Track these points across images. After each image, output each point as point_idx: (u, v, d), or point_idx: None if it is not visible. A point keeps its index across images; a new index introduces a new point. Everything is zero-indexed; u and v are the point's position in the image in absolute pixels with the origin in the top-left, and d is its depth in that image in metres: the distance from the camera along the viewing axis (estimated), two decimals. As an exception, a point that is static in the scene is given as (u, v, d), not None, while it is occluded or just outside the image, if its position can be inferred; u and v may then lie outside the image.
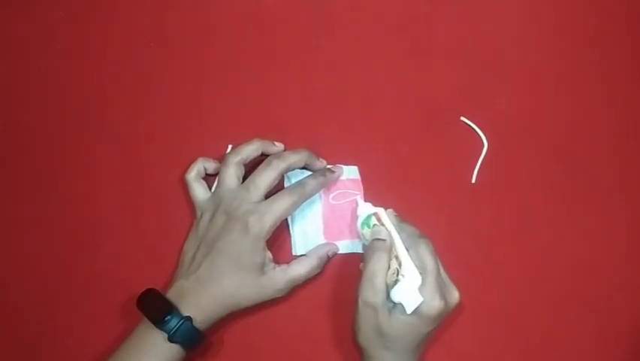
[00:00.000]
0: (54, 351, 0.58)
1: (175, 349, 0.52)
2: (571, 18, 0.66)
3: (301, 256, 0.58)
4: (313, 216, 0.59)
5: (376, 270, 0.51)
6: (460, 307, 0.56)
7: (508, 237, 0.61)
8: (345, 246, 0.59)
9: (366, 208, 0.56)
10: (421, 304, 0.50)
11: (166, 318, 0.51)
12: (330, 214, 0.59)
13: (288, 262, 0.56)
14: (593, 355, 0.58)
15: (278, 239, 0.59)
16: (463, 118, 0.63)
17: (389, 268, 0.52)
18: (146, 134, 0.63)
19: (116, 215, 0.61)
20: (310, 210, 0.59)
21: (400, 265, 0.51)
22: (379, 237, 0.53)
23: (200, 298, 0.53)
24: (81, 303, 0.59)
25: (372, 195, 0.61)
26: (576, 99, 0.64)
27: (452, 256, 0.60)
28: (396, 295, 0.50)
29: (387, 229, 0.53)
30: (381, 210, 0.55)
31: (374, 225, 0.55)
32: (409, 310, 0.50)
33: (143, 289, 0.54)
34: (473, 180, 0.62)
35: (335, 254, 0.59)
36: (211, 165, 0.59)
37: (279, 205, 0.54)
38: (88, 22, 0.66)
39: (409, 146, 0.63)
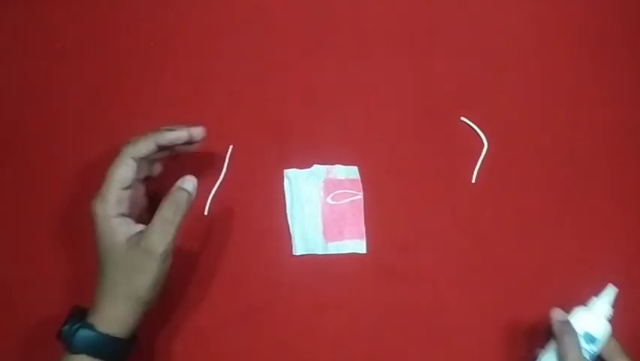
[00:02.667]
0: (54, 351, 0.58)
1: None
2: (571, 18, 0.66)
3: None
4: (313, 216, 0.59)
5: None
6: (460, 308, 0.56)
7: (508, 237, 0.61)
8: (346, 246, 0.59)
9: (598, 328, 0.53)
10: None
11: (63, 328, 0.49)
12: (330, 214, 0.59)
13: (283, 264, 0.56)
14: (593, 355, 0.58)
15: (278, 239, 0.59)
16: (463, 118, 0.63)
17: None
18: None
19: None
20: (310, 210, 0.59)
21: None
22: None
23: (103, 303, 0.49)
24: (81, 303, 0.59)
25: (373, 195, 0.61)
26: (576, 99, 0.64)
27: (452, 256, 0.60)
28: None
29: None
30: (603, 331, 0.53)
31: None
32: None
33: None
34: (473, 180, 0.62)
35: (191, 196, 0.53)
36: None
37: (111, 172, 0.50)
38: (88, 22, 0.66)
39: (409, 146, 0.63)
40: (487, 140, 0.62)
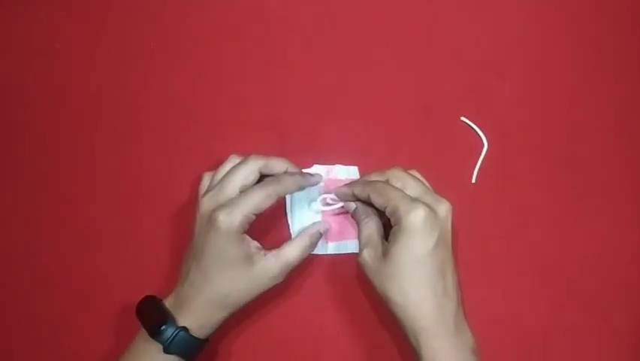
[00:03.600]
0: (54, 351, 0.58)
1: (173, 359, 0.51)
2: (571, 18, 0.66)
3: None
4: (313, 217, 0.59)
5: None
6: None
7: (508, 237, 0.61)
8: (345, 246, 0.59)
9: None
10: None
11: (161, 328, 0.50)
12: (330, 215, 0.59)
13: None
14: (593, 355, 0.58)
15: (278, 239, 0.59)
16: (463, 118, 0.63)
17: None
18: (146, 134, 0.63)
19: (116, 215, 0.61)
20: (310, 211, 0.59)
21: None
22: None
23: (196, 305, 0.52)
24: (81, 303, 0.59)
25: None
26: (576, 99, 0.64)
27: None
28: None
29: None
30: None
31: None
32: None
33: (142, 293, 0.54)
34: (473, 180, 0.62)
35: (327, 230, 0.57)
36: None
37: (250, 198, 0.51)
38: (88, 22, 0.66)
39: (409, 146, 0.63)
40: (487, 140, 0.62)
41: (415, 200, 0.51)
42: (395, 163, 0.62)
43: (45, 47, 0.65)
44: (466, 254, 0.60)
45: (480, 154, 0.62)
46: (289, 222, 0.59)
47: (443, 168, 0.62)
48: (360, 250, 0.53)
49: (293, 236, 0.59)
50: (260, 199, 0.52)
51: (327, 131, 0.63)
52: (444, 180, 0.62)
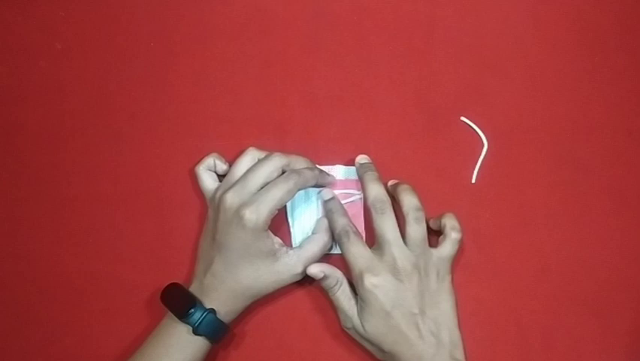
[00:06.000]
0: (54, 352, 0.58)
1: (200, 341, 0.53)
2: (571, 18, 0.66)
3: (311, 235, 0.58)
4: (312, 216, 0.59)
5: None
6: (460, 308, 0.56)
7: (508, 237, 0.61)
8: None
9: None
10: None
11: (190, 311, 0.52)
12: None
13: None
14: (593, 355, 0.58)
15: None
16: (463, 118, 0.63)
17: None
18: (147, 134, 0.63)
19: (117, 215, 0.61)
20: (310, 209, 0.59)
21: None
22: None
23: (219, 293, 0.54)
24: (81, 303, 0.59)
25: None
26: (576, 99, 0.64)
27: (452, 256, 0.60)
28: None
29: None
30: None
31: None
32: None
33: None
34: (473, 180, 0.62)
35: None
36: (221, 165, 0.59)
37: (274, 194, 0.53)
38: (88, 22, 0.66)
39: (408, 146, 0.63)
40: (487, 140, 0.62)
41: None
42: (395, 163, 0.62)
43: (45, 47, 0.65)
44: (466, 254, 0.60)
45: (480, 154, 0.62)
46: (289, 221, 0.59)
47: (443, 168, 0.62)
48: (342, 324, 0.56)
49: (293, 236, 0.59)
50: (283, 194, 0.53)
51: (327, 131, 0.63)
52: (444, 180, 0.62)
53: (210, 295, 0.54)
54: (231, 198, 0.54)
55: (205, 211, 0.59)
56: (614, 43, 0.65)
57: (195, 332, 0.52)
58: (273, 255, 0.54)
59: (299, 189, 0.55)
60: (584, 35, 0.66)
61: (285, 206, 0.60)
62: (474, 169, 0.62)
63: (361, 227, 0.59)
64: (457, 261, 0.59)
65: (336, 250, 0.58)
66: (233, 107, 0.63)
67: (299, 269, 0.55)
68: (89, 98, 0.64)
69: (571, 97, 0.64)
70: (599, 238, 0.61)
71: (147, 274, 0.59)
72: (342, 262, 0.57)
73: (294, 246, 0.59)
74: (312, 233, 0.58)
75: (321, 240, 0.56)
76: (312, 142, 0.62)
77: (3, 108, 0.64)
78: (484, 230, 0.61)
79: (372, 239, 0.58)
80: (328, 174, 0.59)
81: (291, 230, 0.59)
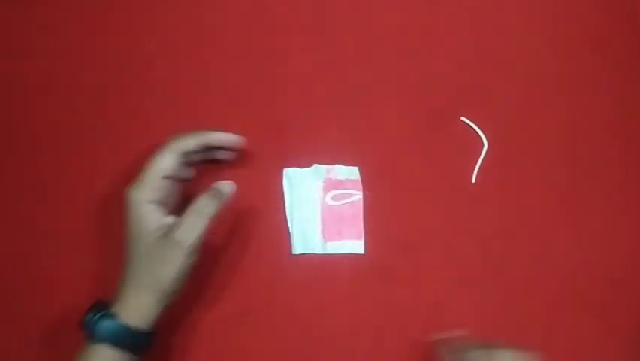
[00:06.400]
0: (54, 352, 0.58)
1: (119, 355, 0.48)
2: (571, 18, 0.66)
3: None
4: (312, 216, 0.59)
5: None
6: (460, 308, 0.56)
7: (508, 237, 0.61)
8: (344, 246, 0.59)
9: None
10: None
11: (85, 318, 0.49)
12: (329, 214, 0.59)
13: (284, 266, 0.56)
14: (593, 355, 0.58)
15: (278, 238, 0.59)
16: (463, 118, 0.63)
17: None
18: (146, 133, 0.63)
19: (116, 215, 0.61)
20: (309, 210, 0.59)
21: None
22: None
23: (125, 293, 0.50)
24: (81, 303, 0.59)
25: (372, 194, 0.61)
26: (576, 99, 0.64)
27: (452, 256, 0.60)
28: None
29: None
30: None
31: None
32: None
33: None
34: (473, 180, 0.62)
35: (230, 191, 0.54)
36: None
37: (154, 161, 0.52)
38: (88, 22, 0.66)
39: (409, 146, 0.63)
40: (487, 140, 0.62)
41: None
42: (395, 163, 0.62)
43: (45, 46, 0.65)
44: (466, 254, 0.60)
45: (480, 154, 0.62)
46: (288, 221, 0.60)
47: (443, 168, 0.62)
48: None
49: (293, 240, 0.59)
50: (161, 160, 0.52)
51: (327, 131, 0.63)
52: (444, 180, 0.62)
53: (121, 299, 0.50)
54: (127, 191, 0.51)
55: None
56: (615, 44, 0.65)
57: (92, 339, 0.48)
58: (164, 232, 0.50)
59: (182, 151, 0.53)
60: (585, 35, 0.66)
61: (286, 209, 0.60)
62: (474, 169, 0.62)
63: (360, 227, 0.59)
64: (457, 261, 0.59)
65: (319, 251, 0.58)
66: (234, 107, 0.63)
67: (189, 238, 0.50)
68: (89, 98, 0.64)
69: (571, 97, 0.64)
70: (599, 237, 0.61)
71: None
72: (326, 263, 0.57)
73: (294, 252, 0.59)
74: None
75: (213, 195, 0.52)
76: (312, 141, 0.62)
77: (3, 108, 0.64)
78: (484, 230, 0.61)
79: (373, 238, 0.58)
80: (215, 131, 0.56)
81: (291, 233, 0.59)
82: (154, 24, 0.66)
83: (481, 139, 0.62)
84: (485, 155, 0.62)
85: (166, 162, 0.52)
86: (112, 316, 0.49)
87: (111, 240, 0.61)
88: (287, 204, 0.60)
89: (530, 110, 0.64)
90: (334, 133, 0.63)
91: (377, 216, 0.60)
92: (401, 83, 0.64)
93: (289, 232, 0.59)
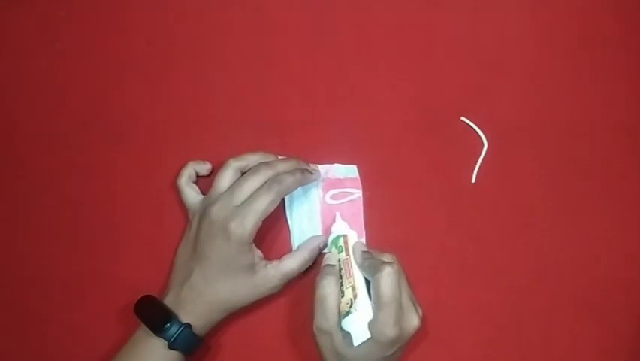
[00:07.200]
0: (54, 352, 0.58)
1: (174, 355, 0.52)
2: (570, 18, 0.66)
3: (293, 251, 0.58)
4: (311, 215, 0.59)
5: (325, 295, 0.51)
6: (460, 308, 0.56)
7: (508, 237, 0.61)
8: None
9: (339, 227, 0.57)
10: (371, 335, 0.49)
11: (166, 325, 0.52)
12: (328, 213, 0.59)
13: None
14: (593, 355, 0.58)
15: (277, 237, 0.59)
16: (463, 118, 0.63)
17: (343, 295, 0.51)
18: (146, 134, 0.63)
19: (116, 215, 0.61)
20: (308, 209, 0.59)
21: (354, 296, 0.50)
22: (329, 263, 0.54)
23: (196, 306, 0.53)
24: (81, 303, 0.59)
25: (372, 194, 0.61)
26: (576, 99, 0.64)
27: (452, 256, 0.60)
28: (346, 326, 0.50)
29: (349, 255, 0.54)
30: (352, 234, 0.56)
31: (340, 246, 0.55)
32: (355, 343, 0.49)
33: (142, 293, 0.55)
34: (473, 180, 0.62)
35: (326, 246, 0.58)
36: (202, 167, 0.60)
37: (258, 206, 0.53)
38: (88, 22, 0.66)
39: (408, 145, 0.63)
40: (487, 140, 0.62)
41: (391, 319, 0.49)
42: (394, 163, 0.62)
43: (45, 47, 0.65)
44: (466, 254, 0.60)
45: (480, 154, 0.62)
46: (288, 221, 0.59)
47: (443, 168, 0.62)
48: (316, 323, 0.52)
49: (292, 239, 0.59)
50: (266, 206, 0.53)
51: (327, 131, 0.63)
52: (444, 180, 0.62)
53: (186, 308, 0.53)
54: (217, 212, 0.53)
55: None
56: (614, 43, 0.65)
57: (170, 347, 0.52)
58: (251, 269, 0.54)
59: (282, 197, 0.55)
60: (584, 35, 0.66)
61: (285, 208, 0.60)
62: (474, 169, 0.62)
63: (361, 226, 0.59)
64: (456, 261, 0.59)
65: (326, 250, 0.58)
66: (233, 107, 0.63)
67: (275, 283, 0.55)
68: (89, 98, 0.64)
69: (571, 97, 0.64)
70: (599, 237, 0.61)
71: (147, 275, 0.59)
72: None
73: (293, 248, 0.59)
74: (296, 250, 0.57)
75: (301, 257, 0.56)
76: (312, 142, 0.62)
77: (3, 108, 0.64)
78: (484, 230, 0.61)
79: (373, 238, 0.58)
80: (312, 171, 0.57)
81: (291, 231, 0.59)
82: (154, 24, 0.66)
83: (481, 139, 0.62)
84: (485, 155, 0.62)
85: (268, 208, 0.53)
86: (189, 327, 0.52)
87: (112, 239, 0.61)
88: (286, 203, 0.60)
89: (530, 110, 0.64)
90: (333, 132, 0.63)
91: (376, 215, 0.60)
92: (401, 82, 0.64)
93: (289, 232, 0.59)
